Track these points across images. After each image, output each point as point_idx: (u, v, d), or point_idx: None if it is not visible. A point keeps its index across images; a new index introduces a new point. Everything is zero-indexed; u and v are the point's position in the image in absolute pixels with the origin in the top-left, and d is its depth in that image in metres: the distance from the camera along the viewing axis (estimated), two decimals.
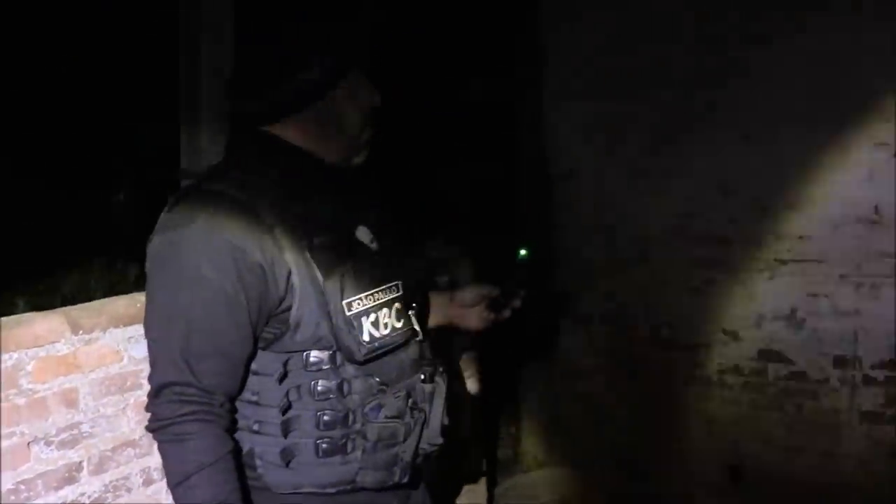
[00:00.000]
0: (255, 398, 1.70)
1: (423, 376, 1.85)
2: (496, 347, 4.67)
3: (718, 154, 4.26)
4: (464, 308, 2.12)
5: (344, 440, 1.71)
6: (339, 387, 1.71)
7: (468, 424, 3.92)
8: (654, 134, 4.36)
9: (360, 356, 1.70)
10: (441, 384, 1.88)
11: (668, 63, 4.30)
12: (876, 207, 4.03)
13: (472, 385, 4.02)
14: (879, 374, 4.09)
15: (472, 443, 4.02)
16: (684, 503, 4.35)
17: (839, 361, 4.15)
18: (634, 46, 4.36)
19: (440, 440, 1.86)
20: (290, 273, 1.64)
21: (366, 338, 1.70)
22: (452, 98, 5.00)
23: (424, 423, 1.83)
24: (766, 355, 4.28)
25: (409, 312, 1.87)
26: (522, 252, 2.07)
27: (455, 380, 3.67)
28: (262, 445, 1.69)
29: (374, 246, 1.81)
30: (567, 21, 4.50)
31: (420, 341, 1.90)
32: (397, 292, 1.81)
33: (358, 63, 1.76)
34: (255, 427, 1.69)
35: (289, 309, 1.65)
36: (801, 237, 4.17)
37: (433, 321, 2.13)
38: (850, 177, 4.05)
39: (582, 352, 4.63)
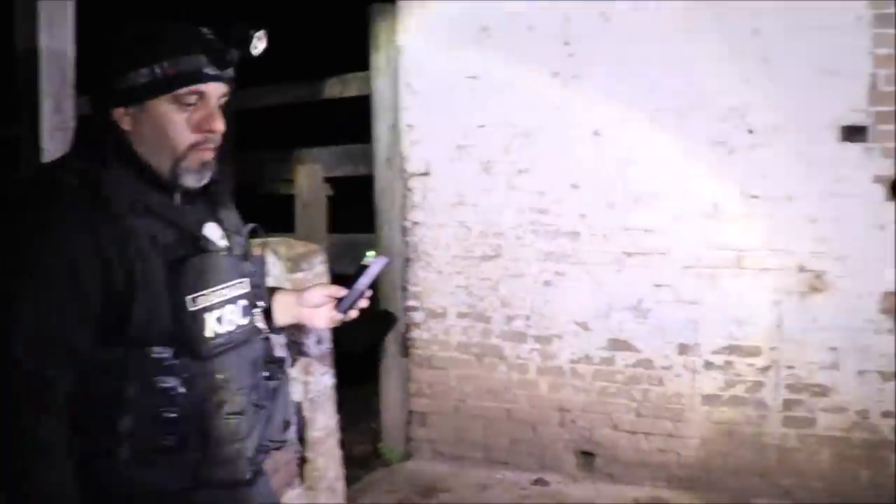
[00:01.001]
0: (94, 394, 1.66)
1: (266, 374, 1.88)
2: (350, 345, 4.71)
3: (569, 150, 4.36)
4: (311, 308, 2.12)
5: (185, 437, 1.70)
6: (183, 383, 1.69)
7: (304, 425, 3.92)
8: (507, 131, 4.42)
9: (203, 352, 1.71)
10: (284, 382, 1.93)
11: (521, 60, 4.36)
12: (714, 201, 4.22)
13: (327, 380, 4.00)
14: (718, 360, 4.32)
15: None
16: (541, 489, 4.47)
17: (682, 348, 4.36)
18: (487, 41, 4.39)
19: (283, 437, 1.91)
20: (132, 265, 1.63)
21: (209, 334, 1.71)
22: (310, 96, 4.90)
23: (268, 419, 1.87)
24: (615, 344, 4.44)
25: (254, 310, 1.89)
26: (369, 253, 2.06)
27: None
28: (101, 445, 1.66)
29: (222, 243, 1.82)
30: (418, 15, 4.48)
31: (265, 339, 1.93)
32: (243, 290, 1.82)
33: (191, 83, 1.72)
34: (95, 425, 1.66)
35: (131, 302, 1.64)
36: (646, 230, 4.33)
37: (282, 320, 2.15)
38: (691, 172, 4.22)
39: (438, 345, 4.67)
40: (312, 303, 2.11)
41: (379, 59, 4.56)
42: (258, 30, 1.79)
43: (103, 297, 1.62)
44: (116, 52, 1.73)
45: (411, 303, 4.68)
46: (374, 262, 2.05)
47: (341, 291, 2.07)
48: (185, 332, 1.68)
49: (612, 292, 4.41)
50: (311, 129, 5.05)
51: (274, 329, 2.14)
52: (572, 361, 4.51)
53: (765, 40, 4.07)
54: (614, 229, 4.37)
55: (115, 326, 1.64)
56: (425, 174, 4.57)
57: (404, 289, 4.67)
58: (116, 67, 1.71)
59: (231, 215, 1.94)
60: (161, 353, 1.68)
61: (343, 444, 4.76)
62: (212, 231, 1.81)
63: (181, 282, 1.68)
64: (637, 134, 4.27)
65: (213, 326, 1.72)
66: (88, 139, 1.77)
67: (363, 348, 4.82)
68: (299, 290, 2.23)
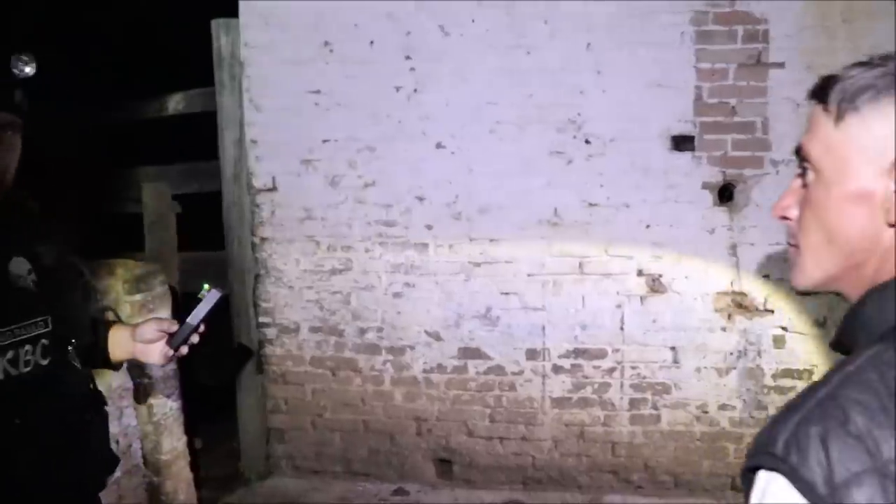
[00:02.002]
0: None
1: (81, 411, 1.85)
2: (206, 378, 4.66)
3: (413, 163, 4.41)
4: (145, 343, 2.08)
5: None
6: None
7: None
8: (351, 146, 4.43)
9: None
10: (96, 421, 1.90)
11: (363, 74, 4.38)
12: (555, 210, 4.33)
13: (172, 403, 3.95)
14: (566, 363, 4.44)
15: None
16: (401, 499, 4.51)
17: (531, 354, 4.47)
18: (329, 55, 4.40)
19: (104, 476, 1.90)
20: None
21: (0, 376, 1.66)
22: (156, 112, 4.80)
23: (78, 460, 1.82)
24: (466, 353, 4.52)
25: (69, 347, 1.85)
26: (206, 286, 2.04)
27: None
28: None
29: (30, 278, 1.76)
30: (261, 30, 4.45)
31: (79, 375, 1.88)
32: (45, 328, 1.76)
33: None
34: None
35: None
36: (491, 240, 4.42)
37: (117, 355, 2.12)
38: (532, 183, 4.32)
39: (292, 360, 4.65)
40: (145, 338, 2.06)
41: (223, 75, 4.50)
42: (22, 52, 1.73)
43: None
44: None
45: (263, 319, 4.64)
46: (207, 296, 2.01)
47: (174, 326, 2.04)
48: None
49: (462, 302, 4.48)
50: (158, 146, 4.95)
51: (106, 364, 2.12)
52: (426, 371, 4.56)
53: (597, 54, 4.20)
54: (460, 239, 4.43)
55: None
56: (272, 189, 4.54)
57: (256, 305, 4.64)
58: None
59: (49, 249, 1.88)
60: None
61: (203, 466, 4.74)
62: (17, 265, 1.75)
63: None
64: (479, 146, 4.34)
65: (5, 368, 1.67)
66: None
67: (218, 382, 4.77)
68: (132, 324, 2.17)
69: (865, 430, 0.86)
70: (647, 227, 4.27)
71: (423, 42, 4.31)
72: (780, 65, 4.10)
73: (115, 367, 2.21)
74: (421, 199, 4.44)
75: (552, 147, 4.30)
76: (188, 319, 2.01)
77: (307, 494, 4.58)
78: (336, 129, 4.44)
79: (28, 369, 1.72)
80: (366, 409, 4.64)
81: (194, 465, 4.22)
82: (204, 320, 2.03)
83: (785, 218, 1.12)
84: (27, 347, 1.72)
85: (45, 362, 1.76)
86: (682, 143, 4.15)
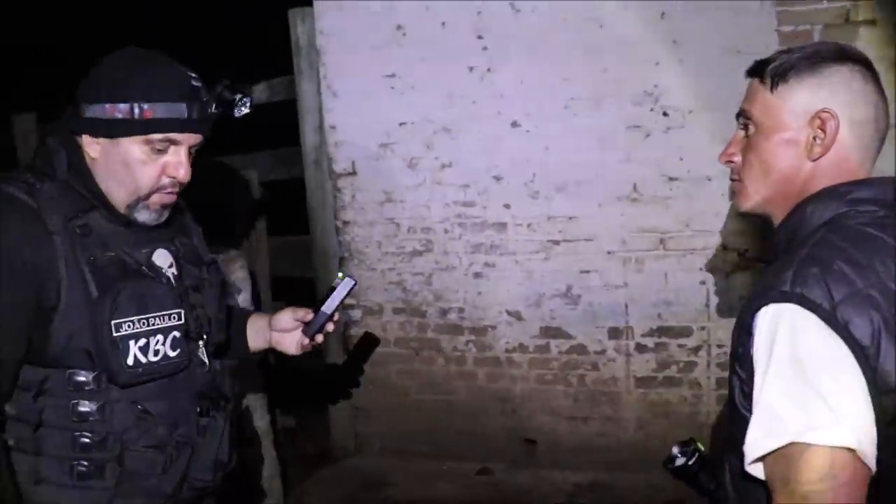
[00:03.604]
0: (13, 412, 1.68)
1: (199, 409, 1.85)
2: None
3: (489, 143, 4.39)
4: (280, 332, 2.14)
5: (101, 465, 1.69)
6: (101, 409, 1.69)
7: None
8: (428, 128, 4.46)
9: (121, 380, 1.69)
10: (219, 420, 1.88)
11: (436, 56, 4.40)
12: (634, 185, 4.25)
13: (258, 381, 4.07)
14: (649, 342, 4.35)
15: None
16: (485, 478, 4.53)
17: (613, 332, 4.39)
18: (403, 39, 4.43)
19: (209, 476, 1.87)
20: (60, 283, 1.63)
21: (130, 361, 1.69)
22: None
23: (192, 457, 1.83)
24: (548, 332, 4.48)
25: (200, 343, 1.88)
26: (339, 275, 2.10)
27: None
28: (17, 462, 1.68)
29: (171, 271, 1.81)
30: (335, 17, 4.51)
31: (207, 372, 1.89)
32: (178, 320, 1.79)
33: (166, 130, 1.72)
34: (11, 443, 1.68)
35: (52, 320, 1.64)
36: (570, 218, 4.36)
37: (256, 344, 2.19)
38: (609, 158, 4.24)
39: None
40: (281, 327, 2.13)
41: (301, 63, 4.60)
42: (245, 94, 1.81)
43: (32, 314, 1.63)
44: (98, 80, 1.71)
45: (348, 301, 4.72)
46: (340, 285, 2.06)
47: (309, 315, 2.08)
48: (104, 357, 1.66)
49: (542, 280, 4.45)
50: (244, 134, 5.09)
51: (245, 353, 2.17)
52: (508, 351, 4.55)
53: (673, 23, 4.08)
54: (539, 218, 4.40)
55: (41, 344, 1.65)
56: (352, 173, 4.62)
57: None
58: (95, 96, 1.70)
59: (191, 244, 1.95)
60: (81, 376, 1.67)
61: (295, 444, 4.89)
62: (161, 257, 1.81)
63: (108, 306, 1.66)
64: (554, 123, 4.29)
65: (135, 354, 1.70)
66: (44, 153, 1.76)
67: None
68: (269, 314, 2.22)
69: (846, 270, 1.29)
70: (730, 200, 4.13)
71: (495, 21, 4.28)
72: (871, 22, 3.87)
73: (254, 356, 2.27)
74: (498, 178, 4.42)
75: (629, 121, 4.20)
76: (323, 308, 2.07)
77: (394, 473, 4.65)
78: (412, 111, 4.47)
79: (156, 358, 1.74)
80: (449, 389, 4.68)
81: (281, 443, 4.35)
82: (338, 309, 2.08)
83: (730, 161, 1.61)
84: (158, 338, 1.74)
85: (173, 354, 1.78)
86: None
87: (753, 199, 1.53)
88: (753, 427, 1.28)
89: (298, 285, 4.89)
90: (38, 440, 1.67)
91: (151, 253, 1.79)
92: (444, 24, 4.35)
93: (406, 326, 4.68)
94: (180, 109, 1.70)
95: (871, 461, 1.23)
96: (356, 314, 4.74)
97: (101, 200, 1.74)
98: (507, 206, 4.43)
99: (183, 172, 1.77)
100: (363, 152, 4.57)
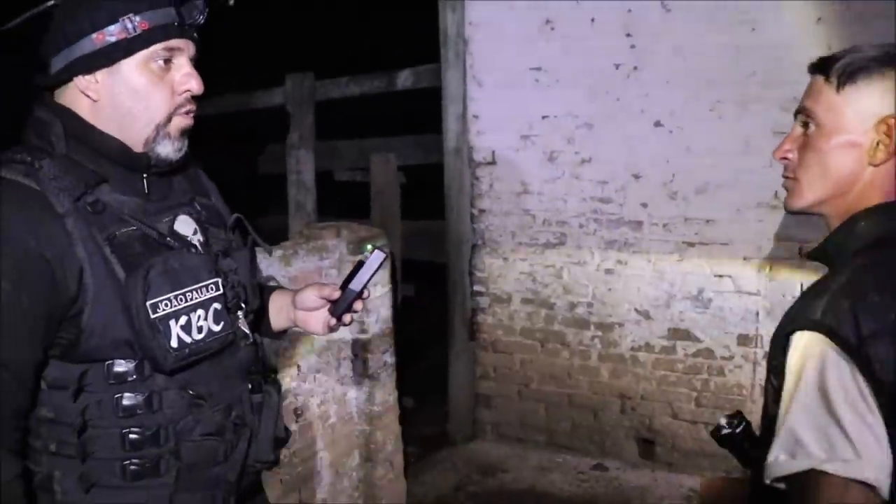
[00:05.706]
0: (50, 415, 1.50)
1: (250, 386, 1.70)
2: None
3: (630, 141, 4.42)
4: (305, 311, 1.89)
5: (156, 461, 1.54)
6: (148, 401, 1.53)
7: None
8: (569, 122, 4.51)
9: (167, 365, 1.51)
10: (272, 394, 1.74)
11: (583, 52, 4.44)
12: (776, 193, 4.19)
13: (388, 358, 4.18)
14: None
15: None
16: (600, 474, 4.55)
17: (742, 339, 4.35)
18: (550, 33, 4.49)
19: (271, 456, 1.73)
20: (81, 270, 1.45)
21: (174, 344, 1.51)
22: (385, 87, 5.11)
23: (251, 438, 1.68)
24: (676, 333, 4.47)
25: (239, 313, 1.71)
26: (368, 247, 1.85)
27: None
28: (61, 469, 1.51)
29: (196, 238, 1.64)
30: (486, 8, 4.61)
31: (251, 345, 1.73)
32: (216, 291, 1.60)
33: (166, 38, 1.55)
34: (53, 448, 1.50)
35: (81, 312, 1.46)
36: (707, 221, 4.35)
37: (279, 323, 1.95)
38: (752, 163, 4.21)
39: (503, 330, 4.81)
40: (306, 306, 1.88)
41: (448, 52, 4.71)
42: None
43: (52, 308, 1.45)
44: (71, 18, 1.52)
45: (477, 288, 4.83)
46: (370, 259, 1.79)
47: (336, 293, 1.82)
48: (145, 342, 1.49)
49: (673, 281, 4.44)
50: (384, 118, 5.25)
51: (268, 333, 1.95)
52: (633, 349, 4.56)
53: (830, 28, 4.01)
54: (676, 219, 4.39)
55: (72, 338, 1.48)
56: (492, 163, 4.71)
57: (471, 274, 4.83)
58: (75, 33, 1.51)
59: (211, 204, 1.76)
60: (121, 366, 1.51)
61: (413, 425, 5.00)
62: (183, 225, 1.64)
63: (139, 286, 1.48)
64: (698, 125, 4.28)
65: (178, 335, 1.52)
66: (37, 127, 1.56)
67: None
68: (293, 290, 1.96)
69: (881, 300, 1.28)
70: None
71: (644, 19, 4.30)
72: None
73: (277, 335, 2.01)
74: (637, 176, 4.44)
75: (775, 126, 4.14)
76: (350, 286, 1.80)
77: (508, 460, 4.72)
78: (555, 105, 4.53)
79: (201, 336, 1.56)
80: (571, 382, 4.72)
81: (403, 422, 4.46)
82: (367, 285, 1.81)
83: (785, 158, 1.56)
84: (199, 312, 1.56)
85: (217, 328, 1.60)
86: None
87: (807, 199, 1.50)
88: (776, 447, 1.31)
89: (429, 269, 5.01)
90: (84, 443, 1.50)
91: (173, 221, 1.62)
92: (593, 20, 4.40)
93: (533, 317, 4.74)
94: (171, 14, 1.54)
95: (885, 493, 1.26)
96: (484, 301, 4.83)
97: (113, 154, 1.56)
98: (644, 205, 4.44)
99: (195, 83, 1.58)
100: (504, 143, 4.65)
